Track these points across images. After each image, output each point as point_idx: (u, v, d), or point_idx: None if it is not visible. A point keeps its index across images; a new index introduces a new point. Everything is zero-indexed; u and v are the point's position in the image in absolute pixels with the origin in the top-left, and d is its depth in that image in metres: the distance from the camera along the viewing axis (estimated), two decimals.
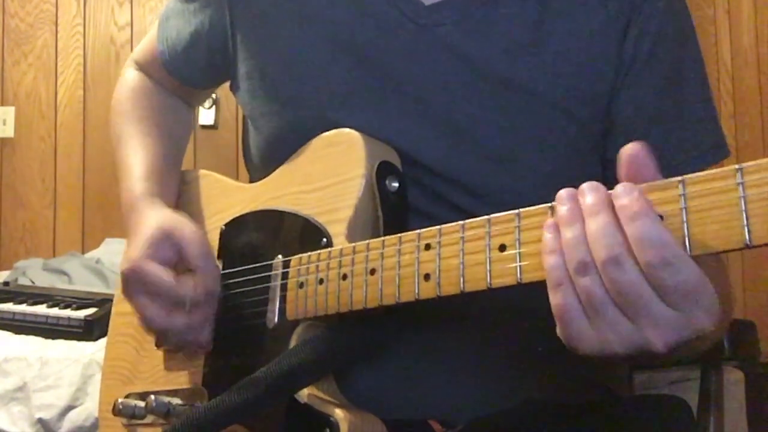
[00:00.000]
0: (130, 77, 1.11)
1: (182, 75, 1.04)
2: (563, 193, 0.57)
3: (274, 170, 0.90)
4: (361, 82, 0.85)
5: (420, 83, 0.83)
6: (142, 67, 1.10)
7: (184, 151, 1.10)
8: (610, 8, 0.82)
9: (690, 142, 0.82)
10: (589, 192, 0.56)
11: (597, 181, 0.71)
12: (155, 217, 0.88)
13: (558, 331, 0.57)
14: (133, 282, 0.84)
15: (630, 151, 0.56)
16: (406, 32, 0.84)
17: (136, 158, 0.98)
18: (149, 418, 0.88)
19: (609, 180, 0.85)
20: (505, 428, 0.80)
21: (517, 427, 0.80)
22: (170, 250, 0.84)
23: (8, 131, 2.84)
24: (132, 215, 0.92)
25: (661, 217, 0.52)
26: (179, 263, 0.85)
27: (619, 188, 0.55)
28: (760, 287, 2.68)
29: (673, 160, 0.82)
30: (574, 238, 0.55)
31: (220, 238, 0.93)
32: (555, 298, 0.56)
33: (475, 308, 0.79)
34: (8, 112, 2.84)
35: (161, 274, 0.83)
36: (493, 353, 0.82)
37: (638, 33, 0.82)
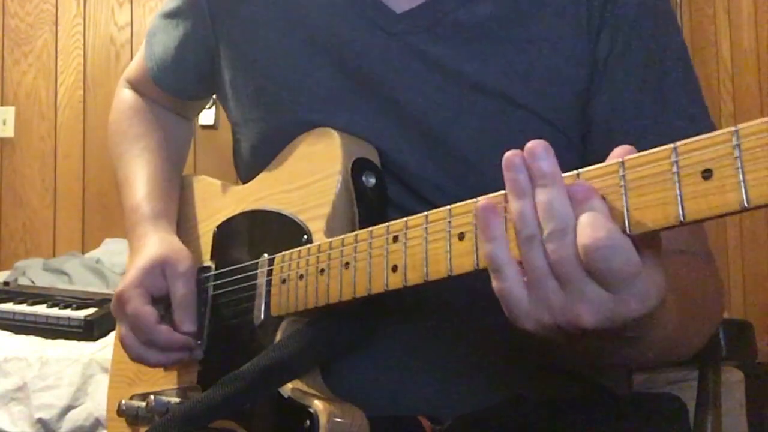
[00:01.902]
0: (124, 97, 1.12)
1: (173, 88, 1.06)
2: (515, 159, 0.57)
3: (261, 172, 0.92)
4: (340, 86, 0.86)
5: (395, 89, 0.84)
6: (134, 85, 1.12)
7: (183, 163, 1.12)
8: (581, 10, 0.82)
9: (671, 138, 0.81)
10: (545, 158, 0.56)
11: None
12: (155, 245, 0.91)
13: (503, 309, 0.58)
14: (120, 307, 0.89)
15: (618, 153, 0.56)
16: (379, 40, 0.85)
17: (139, 176, 1.01)
18: (150, 418, 0.91)
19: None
20: (493, 424, 0.81)
21: (506, 423, 0.80)
22: (161, 283, 0.89)
23: (8, 131, 2.84)
24: (135, 236, 0.95)
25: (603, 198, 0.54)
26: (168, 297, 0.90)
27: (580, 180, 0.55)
28: (760, 287, 2.68)
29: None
30: (524, 212, 0.55)
31: (213, 240, 0.95)
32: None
33: (464, 304, 0.79)
34: (8, 112, 2.84)
35: (145, 313, 0.87)
36: (482, 349, 0.82)
37: (612, 31, 0.81)
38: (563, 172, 0.57)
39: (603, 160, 0.80)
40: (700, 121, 0.82)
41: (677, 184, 0.50)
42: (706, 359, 1.01)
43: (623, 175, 0.53)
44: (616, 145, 0.80)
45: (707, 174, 0.49)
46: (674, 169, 0.51)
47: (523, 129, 0.81)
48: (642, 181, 0.52)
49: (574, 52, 0.82)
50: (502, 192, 0.59)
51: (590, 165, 0.82)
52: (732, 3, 2.79)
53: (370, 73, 0.84)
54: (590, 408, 0.83)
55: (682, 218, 0.50)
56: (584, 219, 0.53)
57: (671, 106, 0.82)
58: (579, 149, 0.84)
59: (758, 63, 2.74)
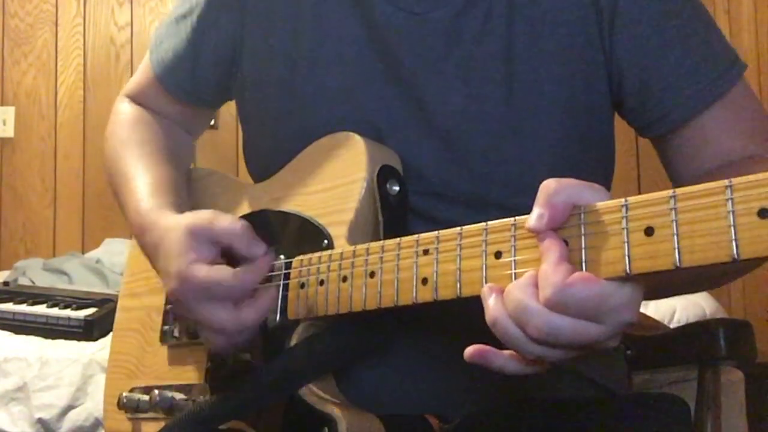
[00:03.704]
0: (123, 109, 1.07)
1: (184, 88, 1.02)
2: (486, 290, 0.62)
3: (278, 171, 0.91)
4: (365, 76, 0.86)
5: (417, 71, 0.84)
6: (137, 98, 1.07)
7: (186, 172, 1.06)
8: None
9: (705, 65, 0.83)
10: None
11: (607, 139, 0.88)
12: (177, 223, 0.80)
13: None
14: (190, 294, 0.76)
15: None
16: (400, 21, 0.85)
17: (139, 180, 0.92)
18: (153, 412, 0.90)
19: (642, 127, 0.87)
20: (501, 423, 0.81)
21: (513, 423, 0.81)
22: (209, 248, 0.78)
23: (8, 131, 2.84)
24: (148, 232, 0.84)
25: (566, 242, 0.58)
26: (223, 258, 0.79)
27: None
28: (760, 287, 2.68)
29: (695, 85, 0.82)
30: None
31: None
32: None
33: (473, 304, 0.79)
34: (8, 112, 2.85)
35: (219, 272, 0.76)
36: None
37: None
38: (598, 134, 0.56)
39: (644, 109, 0.84)
40: (726, 49, 0.85)
41: (732, 221, 0.50)
42: (706, 359, 1.01)
43: (674, 208, 0.53)
44: (653, 85, 0.83)
45: (764, 213, 0.49)
46: (729, 207, 0.50)
47: (550, 93, 0.82)
48: (694, 215, 0.52)
49: (575, 1, 0.83)
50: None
51: (635, 117, 0.86)
52: (732, 3, 2.79)
53: (393, 58, 0.85)
54: (598, 409, 0.83)
55: (735, 256, 0.50)
56: (518, 309, 0.58)
57: (695, 40, 0.83)
58: (610, 106, 0.86)
59: (758, 63, 2.74)
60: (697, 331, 1.05)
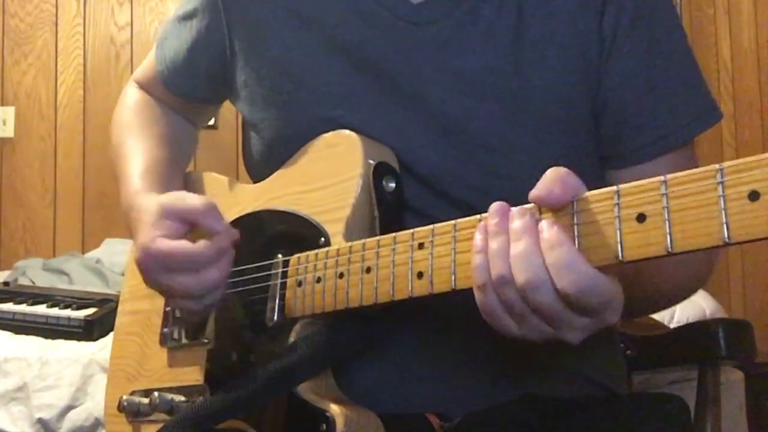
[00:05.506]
0: (130, 93, 1.11)
1: (183, 91, 1.05)
2: (495, 206, 0.63)
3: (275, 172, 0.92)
4: (357, 82, 0.86)
5: (413, 80, 0.84)
6: (143, 86, 1.11)
7: (187, 162, 1.09)
8: None
9: (683, 109, 0.84)
10: (517, 216, 0.62)
11: (594, 165, 0.86)
12: (151, 203, 0.85)
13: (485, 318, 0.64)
14: (153, 265, 0.81)
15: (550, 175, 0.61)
16: (397, 31, 0.85)
17: (135, 161, 0.98)
18: (153, 415, 0.90)
19: (605, 156, 0.86)
20: (501, 422, 0.81)
21: (513, 421, 0.81)
22: (177, 223, 0.82)
23: (8, 131, 2.84)
24: (131, 212, 0.90)
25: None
26: (190, 234, 0.83)
27: (543, 223, 0.60)
28: (760, 287, 2.68)
29: (670, 126, 0.83)
30: (498, 250, 0.61)
31: None
32: (478, 296, 0.63)
33: (472, 302, 0.79)
34: (8, 112, 2.85)
35: (174, 244, 0.80)
36: (490, 348, 0.82)
37: (616, 8, 0.83)
38: (587, 158, 0.58)
39: (618, 142, 0.84)
40: (705, 96, 0.87)
41: (722, 205, 0.50)
42: (706, 359, 1.01)
43: (665, 194, 0.53)
44: (631, 121, 0.83)
45: (754, 196, 0.49)
46: (720, 191, 0.51)
47: (544, 111, 0.83)
48: (685, 201, 0.52)
49: (582, 28, 0.83)
50: (531, 204, 0.62)
51: (604, 144, 0.86)
52: (732, 3, 2.79)
53: (388, 65, 0.85)
54: (598, 408, 0.84)
55: (727, 239, 0.50)
56: (560, 262, 0.58)
57: (677, 83, 0.85)
58: (593, 129, 0.86)
59: (758, 63, 2.74)
60: (697, 331, 1.05)
